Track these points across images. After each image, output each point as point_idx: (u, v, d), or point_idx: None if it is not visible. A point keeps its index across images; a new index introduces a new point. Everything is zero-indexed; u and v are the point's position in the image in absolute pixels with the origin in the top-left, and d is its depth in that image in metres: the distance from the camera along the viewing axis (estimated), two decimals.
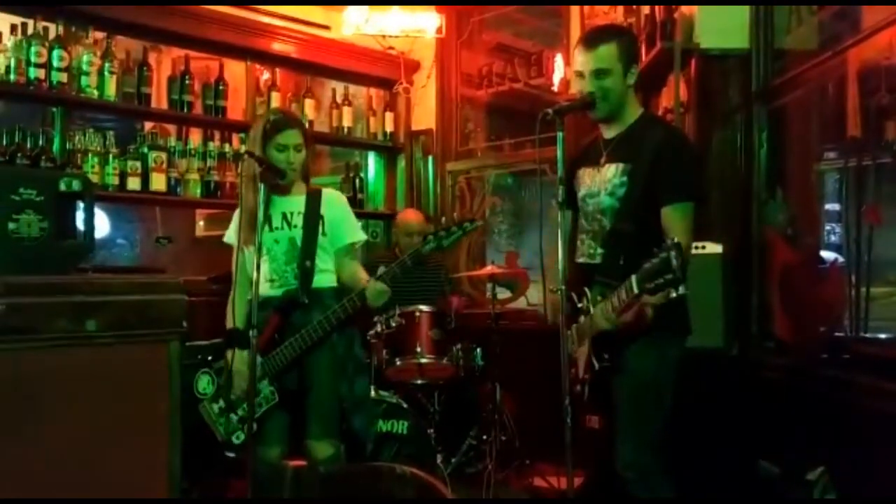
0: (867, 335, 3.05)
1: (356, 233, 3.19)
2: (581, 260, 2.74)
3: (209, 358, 3.07)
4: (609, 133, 2.74)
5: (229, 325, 3.06)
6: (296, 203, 3.10)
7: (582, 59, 2.67)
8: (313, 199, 3.11)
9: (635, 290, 2.25)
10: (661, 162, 2.56)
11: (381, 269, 2.96)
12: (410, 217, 4.80)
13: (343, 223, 3.14)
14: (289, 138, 3.04)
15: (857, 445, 2.75)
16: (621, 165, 2.63)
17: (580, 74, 2.68)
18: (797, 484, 2.88)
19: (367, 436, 3.21)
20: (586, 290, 2.59)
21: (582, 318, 2.62)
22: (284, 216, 3.08)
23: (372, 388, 3.91)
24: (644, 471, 2.57)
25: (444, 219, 5.57)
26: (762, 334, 3.59)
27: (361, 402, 3.13)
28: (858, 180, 3.18)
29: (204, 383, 3.05)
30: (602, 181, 2.68)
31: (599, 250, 2.67)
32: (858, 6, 3.12)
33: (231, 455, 3.02)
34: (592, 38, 2.68)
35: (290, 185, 3.11)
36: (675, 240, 2.16)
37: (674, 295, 2.19)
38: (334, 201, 3.18)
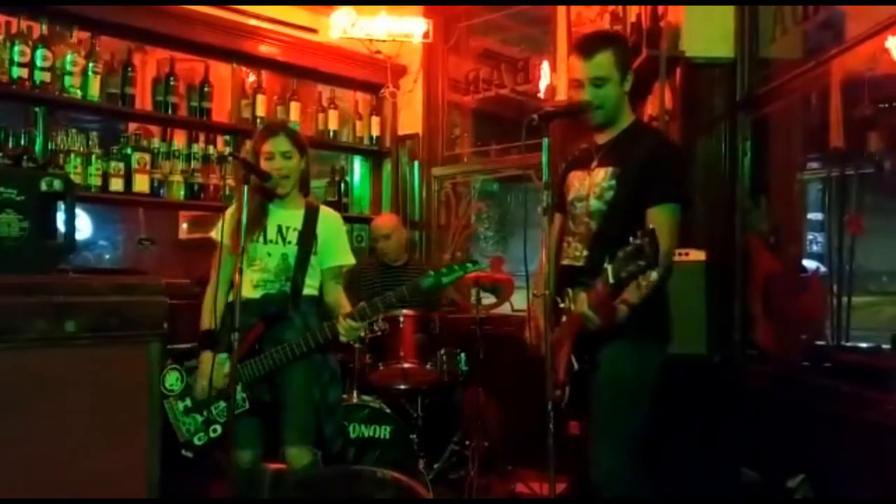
0: (848, 344, 3.07)
1: (345, 256, 3.18)
2: (566, 262, 2.73)
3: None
4: (602, 138, 2.75)
5: (204, 326, 3.05)
6: (293, 217, 3.09)
7: (579, 68, 2.65)
8: (311, 217, 3.10)
9: (611, 280, 2.21)
10: (649, 166, 2.56)
11: (362, 305, 2.96)
12: (380, 221, 4.85)
13: (334, 245, 3.14)
14: (275, 145, 3.02)
15: (837, 452, 2.77)
16: (610, 169, 2.64)
17: (577, 83, 2.67)
18: (778, 491, 2.89)
19: (336, 443, 3.21)
20: (568, 290, 2.56)
21: (563, 320, 2.60)
22: (280, 230, 3.07)
23: (355, 392, 3.91)
24: (617, 475, 2.56)
25: (434, 243, 5.57)
26: (745, 342, 3.60)
27: (333, 409, 3.13)
28: (841, 190, 3.20)
29: (172, 379, 3.00)
30: (591, 185, 2.68)
31: (585, 253, 2.66)
32: (842, 16, 3.14)
33: (188, 455, 2.99)
34: (589, 47, 2.67)
35: (286, 195, 3.09)
36: (650, 227, 2.13)
37: (653, 278, 2.16)
38: (330, 221, 3.17)
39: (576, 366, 2.55)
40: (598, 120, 2.68)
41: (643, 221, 2.52)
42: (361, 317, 2.93)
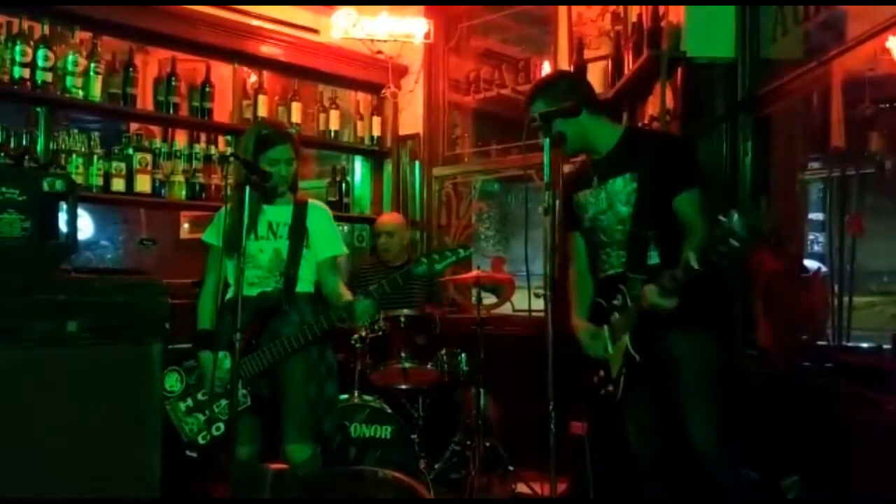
0: (849, 344, 3.07)
1: (338, 246, 3.22)
2: (611, 272, 2.79)
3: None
4: (597, 156, 2.83)
5: (199, 325, 3.10)
6: (282, 213, 3.13)
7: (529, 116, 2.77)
8: (299, 211, 3.14)
9: (696, 267, 2.27)
10: (662, 164, 2.65)
11: (372, 287, 2.98)
12: (384, 217, 4.90)
13: (326, 236, 3.18)
14: (280, 153, 3.07)
15: (838, 453, 2.77)
16: (628, 175, 2.70)
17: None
18: (777, 491, 2.89)
19: (334, 438, 3.24)
20: (622, 287, 2.65)
21: (616, 316, 2.67)
22: (270, 226, 3.11)
23: (356, 392, 3.91)
24: (716, 443, 2.63)
25: (435, 242, 5.57)
26: (745, 342, 3.60)
27: (331, 405, 3.15)
28: (842, 190, 3.20)
29: (171, 381, 3.03)
30: (612, 194, 2.75)
31: (624, 254, 2.73)
32: (843, 16, 3.14)
33: (192, 455, 3.02)
34: (528, 98, 2.83)
35: (277, 194, 3.13)
36: (735, 211, 2.18)
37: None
38: (319, 214, 3.21)
39: (637, 357, 2.61)
40: (570, 152, 2.84)
41: (670, 215, 2.62)
42: (379, 294, 2.96)
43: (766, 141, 3.67)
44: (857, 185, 3.11)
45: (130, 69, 4.44)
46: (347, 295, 3.07)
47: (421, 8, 5.48)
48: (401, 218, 4.96)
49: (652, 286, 2.45)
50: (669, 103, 3.71)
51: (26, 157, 3.88)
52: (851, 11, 3.09)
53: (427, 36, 5.40)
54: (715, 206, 2.61)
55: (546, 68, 5.06)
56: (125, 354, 2.17)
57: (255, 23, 5.12)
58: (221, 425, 3.00)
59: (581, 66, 4.52)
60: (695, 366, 2.64)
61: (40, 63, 4.03)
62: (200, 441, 3.02)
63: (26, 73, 4.00)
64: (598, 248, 2.84)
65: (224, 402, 2.99)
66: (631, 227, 2.69)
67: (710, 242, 2.21)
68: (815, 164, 3.63)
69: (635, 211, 2.67)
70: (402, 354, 4.04)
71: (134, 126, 5.06)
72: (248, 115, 4.95)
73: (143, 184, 4.44)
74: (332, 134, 5.43)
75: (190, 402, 3.05)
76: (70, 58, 4.17)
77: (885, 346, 2.84)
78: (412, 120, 5.68)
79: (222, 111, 4.92)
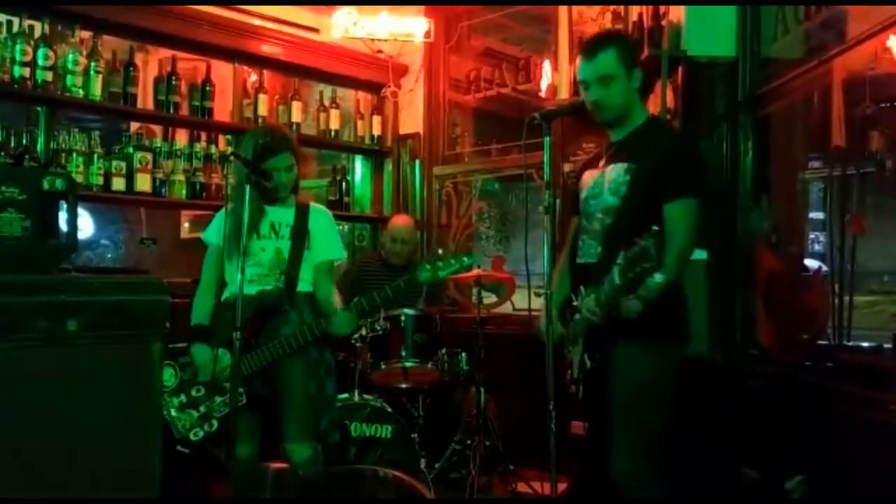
0: (849, 343, 3.07)
1: (337, 250, 3.24)
2: (582, 261, 2.71)
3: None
4: (615, 136, 2.74)
5: (194, 321, 3.09)
6: (285, 214, 3.15)
7: (584, 69, 2.65)
8: (302, 213, 3.16)
9: (617, 282, 2.23)
10: (666, 162, 2.54)
11: (357, 298, 2.99)
12: (400, 222, 4.84)
13: (326, 239, 3.19)
14: (280, 162, 3.07)
15: (838, 452, 2.77)
16: (625, 165, 2.61)
17: (584, 84, 2.66)
18: (777, 491, 2.89)
19: (331, 436, 3.24)
20: (581, 288, 2.57)
21: (577, 317, 2.60)
22: (273, 226, 3.12)
23: (356, 391, 3.91)
24: (634, 474, 2.53)
25: (435, 242, 5.57)
26: (746, 342, 3.60)
27: (329, 403, 3.15)
28: (842, 190, 3.20)
29: (166, 375, 3.02)
30: (605, 181, 2.66)
31: (599, 249, 2.63)
32: (844, 15, 3.14)
33: (184, 451, 3.00)
34: (592, 47, 2.67)
35: (279, 199, 3.15)
36: (656, 228, 2.13)
37: (658, 280, 2.17)
38: (321, 217, 3.23)
39: (588, 364, 2.56)
40: (606, 117, 2.68)
41: (657, 217, 2.49)
42: (358, 310, 2.97)
43: (766, 140, 3.67)
44: (857, 184, 3.11)
45: (131, 68, 4.44)
46: (338, 304, 3.09)
47: (421, 7, 5.47)
48: (413, 221, 4.95)
49: (592, 296, 2.40)
50: (670, 102, 3.71)
51: (26, 156, 3.89)
52: (852, 11, 3.10)
53: (427, 35, 5.40)
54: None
55: (547, 68, 5.06)
56: (125, 354, 2.16)
57: (256, 22, 5.12)
58: (215, 422, 3.00)
59: None
60: (626, 382, 2.54)
61: (40, 62, 4.03)
62: (192, 437, 3.00)
63: (26, 72, 3.99)
64: (579, 234, 2.77)
65: (219, 399, 2.99)
66: (611, 221, 2.60)
67: (627, 261, 2.17)
68: (816, 164, 3.63)
69: (620, 206, 2.58)
70: (403, 354, 4.04)
71: (134, 125, 5.06)
72: (249, 114, 4.94)
73: (143, 183, 4.44)
74: (333, 133, 5.43)
75: (184, 397, 3.03)
76: (70, 57, 4.16)
77: (885, 346, 2.84)
78: (412, 119, 5.67)
79: (223, 110, 4.91)
